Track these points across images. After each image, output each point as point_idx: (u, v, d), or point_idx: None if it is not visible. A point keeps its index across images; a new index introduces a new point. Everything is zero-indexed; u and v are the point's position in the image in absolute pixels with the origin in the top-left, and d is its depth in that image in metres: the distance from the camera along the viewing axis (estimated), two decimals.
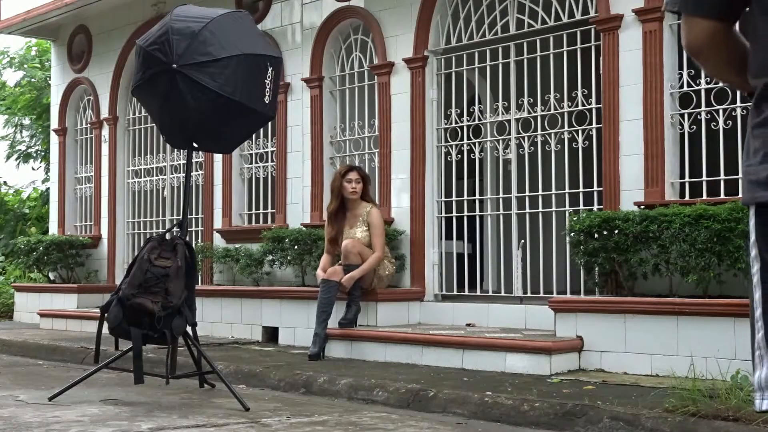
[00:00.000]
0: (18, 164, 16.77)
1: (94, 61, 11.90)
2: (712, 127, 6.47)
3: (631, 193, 6.77)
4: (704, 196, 6.45)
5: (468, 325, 7.67)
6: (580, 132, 7.27)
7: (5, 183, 17.49)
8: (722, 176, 6.41)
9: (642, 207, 6.57)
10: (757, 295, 1.89)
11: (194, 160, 9.02)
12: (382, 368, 6.54)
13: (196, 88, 5.44)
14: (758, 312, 1.88)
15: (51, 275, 11.91)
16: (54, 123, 12.59)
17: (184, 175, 6.62)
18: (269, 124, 7.95)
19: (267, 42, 6.35)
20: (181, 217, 5.92)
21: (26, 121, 16.69)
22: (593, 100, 7.21)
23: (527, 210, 7.69)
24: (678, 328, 5.77)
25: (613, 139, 6.92)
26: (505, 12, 7.85)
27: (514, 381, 5.76)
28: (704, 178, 6.56)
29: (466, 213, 8.15)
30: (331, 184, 7.96)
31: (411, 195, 8.27)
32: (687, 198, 6.55)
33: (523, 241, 7.59)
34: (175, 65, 5.42)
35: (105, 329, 5.50)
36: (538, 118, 7.62)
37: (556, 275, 7.35)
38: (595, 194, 7.13)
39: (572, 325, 6.35)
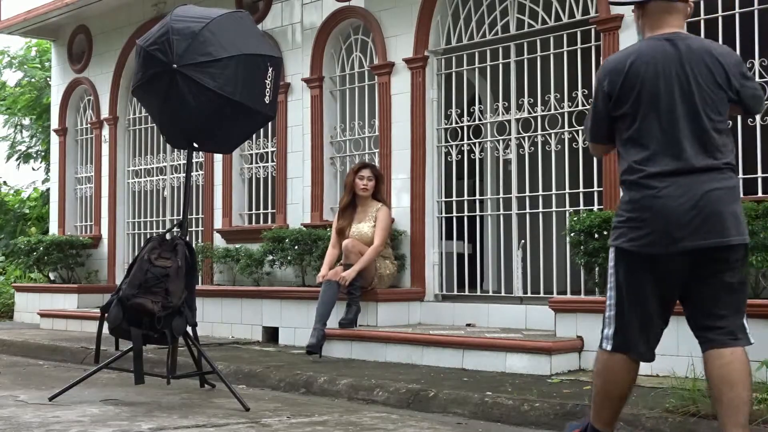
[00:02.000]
0: (18, 164, 16.78)
1: (95, 61, 11.90)
2: None
3: None
4: None
5: (468, 325, 7.67)
6: (580, 132, 7.27)
7: (5, 183, 17.50)
8: None
9: None
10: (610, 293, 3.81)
11: (194, 160, 9.00)
12: (383, 368, 6.54)
13: (196, 88, 5.44)
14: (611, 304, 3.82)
15: (51, 275, 11.91)
16: (54, 123, 12.59)
17: (184, 175, 6.62)
18: (269, 124, 7.94)
19: (267, 42, 6.35)
20: (181, 217, 5.92)
21: (26, 122, 16.68)
22: None
23: (527, 210, 7.69)
24: (678, 328, 5.72)
25: None
26: (506, 12, 7.85)
27: (514, 381, 5.76)
28: None
29: (466, 213, 8.15)
30: (345, 179, 8.04)
31: (411, 195, 8.27)
32: None
33: (523, 241, 7.59)
34: (175, 65, 5.41)
35: (105, 329, 5.50)
36: (539, 118, 7.62)
37: (556, 275, 7.35)
38: (595, 194, 7.13)
39: (572, 325, 6.35)
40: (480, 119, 8.12)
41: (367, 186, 7.76)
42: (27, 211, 16.32)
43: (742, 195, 6.10)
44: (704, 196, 3.49)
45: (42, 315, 10.80)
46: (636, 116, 3.63)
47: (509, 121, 7.81)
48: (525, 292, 7.57)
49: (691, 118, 3.56)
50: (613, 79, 3.70)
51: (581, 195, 7.41)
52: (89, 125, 12.06)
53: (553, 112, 7.51)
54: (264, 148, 9.80)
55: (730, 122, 6.35)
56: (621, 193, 3.78)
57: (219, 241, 10.04)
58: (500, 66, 8.01)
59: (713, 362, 3.55)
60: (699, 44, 3.70)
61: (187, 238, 5.77)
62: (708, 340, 3.63)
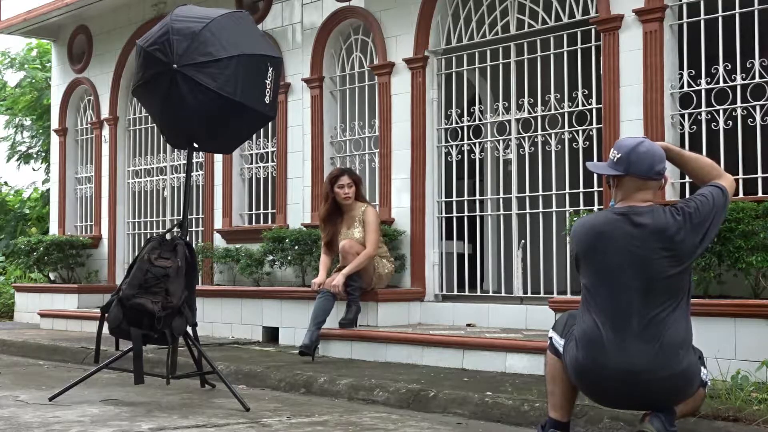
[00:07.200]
0: (18, 165, 16.79)
1: (95, 62, 11.90)
2: (713, 127, 6.48)
3: None
4: None
5: (468, 325, 7.67)
6: (580, 132, 7.27)
7: (6, 184, 17.51)
8: None
9: None
10: None
11: (194, 160, 9.01)
12: (383, 368, 6.55)
13: (196, 88, 5.44)
14: None
15: (51, 275, 11.91)
16: (54, 123, 12.59)
17: (184, 175, 6.63)
18: (269, 124, 7.95)
19: (267, 42, 6.35)
20: (181, 217, 5.93)
21: (27, 122, 16.69)
22: (593, 100, 7.21)
23: (527, 210, 7.69)
24: None
25: (613, 140, 6.90)
26: (506, 12, 7.85)
27: (514, 381, 5.76)
28: None
29: (466, 213, 8.15)
30: (324, 188, 7.81)
31: (411, 195, 8.27)
32: None
33: (523, 241, 7.59)
34: (175, 65, 5.42)
35: (105, 329, 5.50)
36: (539, 119, 7.62)
37: (556, 275, 7.35)
38: (596, 194, 7.13)
39: None
40: (480, 119, 8.12)
41: (349, 193, 7.59)
42: (27, 211, 16.33)
43: (741, 195, 6.14)
44: None
45: (42, 315, 10.80)
46: None
47: (509, 121, 7.81)
48: (525, 292, 7.56)
49: None
50: None
51: (581, 195, 7.41)
52: (89, 125, 12.06)
53: (553, 112, 7.52)
54: (264, 148, 9.80)
55: (730, 122, 6.40)
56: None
57: (219, 241, 10.04)
58: (500, 66, 8.01)
59: None
60: None
61: (187, 238, 5.77)
62: None
